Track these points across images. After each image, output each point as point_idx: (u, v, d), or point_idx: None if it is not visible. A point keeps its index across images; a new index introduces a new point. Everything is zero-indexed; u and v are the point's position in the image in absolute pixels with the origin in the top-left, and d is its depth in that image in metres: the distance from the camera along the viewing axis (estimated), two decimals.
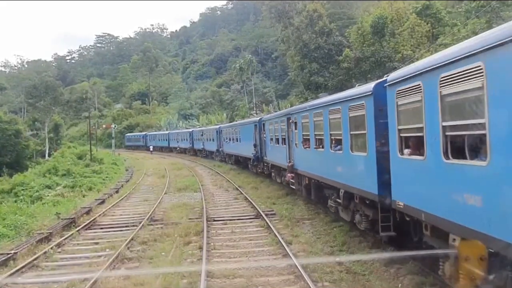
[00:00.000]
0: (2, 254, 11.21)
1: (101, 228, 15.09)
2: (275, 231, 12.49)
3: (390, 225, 9.05)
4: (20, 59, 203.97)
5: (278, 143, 20.89)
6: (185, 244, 11.91)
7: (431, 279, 7.87)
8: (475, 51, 5.35)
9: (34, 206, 20.51)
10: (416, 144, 7.37)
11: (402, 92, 7.75)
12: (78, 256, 11.54)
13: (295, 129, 16.84)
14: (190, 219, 15.19)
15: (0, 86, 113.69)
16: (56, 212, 17.03)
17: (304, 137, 15.65)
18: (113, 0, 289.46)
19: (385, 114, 8.61)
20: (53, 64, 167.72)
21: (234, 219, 15.12)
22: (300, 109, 16.86)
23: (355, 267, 9.15)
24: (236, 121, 48.54)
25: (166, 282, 8.76)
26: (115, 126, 79.55)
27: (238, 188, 22.88)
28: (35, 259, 10.93)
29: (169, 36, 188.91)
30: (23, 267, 10.33)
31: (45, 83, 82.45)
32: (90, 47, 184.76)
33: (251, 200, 18.35)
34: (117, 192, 24.59)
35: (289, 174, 18.29)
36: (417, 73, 7.16)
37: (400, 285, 8.12)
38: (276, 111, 32.01)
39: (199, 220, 14.80)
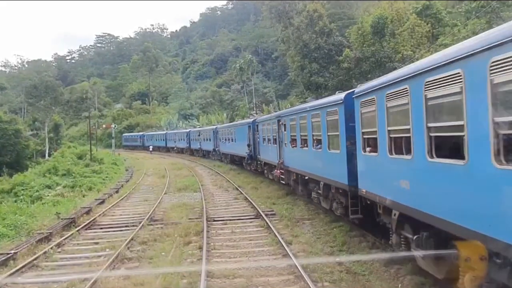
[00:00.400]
0: (2, 254, 11.21)
1: (101, 228, 15.09)
2: (275, 231, 12.49)
3: (358, 209, 11.11)
4: (20, 59, 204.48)
5: (269, 143, 22.67)
6: (185, 244, 11.91)
7: (431, 279, 7.86)
8: (404, 77, 7.59)
9: (34, 206, 20.50)
10: (373, 144, 9.34)
11: (364, 102, 9.80)
12: (78, 256, 11.54)
13: (284, 130, 18.79)
14: (190, 219, 15.20)
15: (0, 86, 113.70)
16: (56, 212, 17.03)
17: (292, 138, 17.66)
18: (113, 0, 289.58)
19: (353, 119, 10.57)
20: (53, 64, 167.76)
21: (234, 219, 15.12)
22: (288, 112, 19.02)
23: (355, 267, 9.15)
24: (236, 121, 48.73)
25: (166, 282, 8.77)
26: (115, 126, 79.56)
27: (238, 188, 22.89)
28: (35, 259, 10.93)
29: (169, 36, 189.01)
30: (23, 267, 10.32)
31: (45, 83, 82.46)
32: (90, 47, 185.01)
33: (251, 200, 18.35)
34: (117, 192, 24.59)
35: (278, 171, 20.23)
36: (372, 89, 9.25)
37: (400, 285, 8.12)
38: (276, 111, 32.42)
39: (199, 220, 14.80)
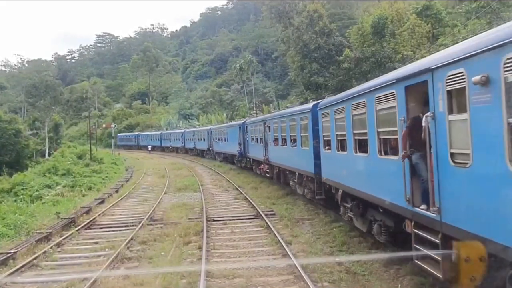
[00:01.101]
0: (1, 253, 11.21)
1: (101, 228, 15.09)
2: (274, 231, 12.50)
3: (321, 192, 14.80)
4: (20, 58, 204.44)
5: (257, 142, 26.03)
6: (185, 244, 11.91)
7: (431, 279, 7.86)
8: (343, 99, 11.33)
9: (34, 206, 20.47)
10: (329, 144, 12.98)
11: (323, 114, 13.52)
12: (77, 256, 11.54)
13: (269, 131, 22.45)
14: (189, 219, 15.20)
15: (0, 85, 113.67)
16: (56, 212, 17.03)
17: (275, 137, 21.28)
18: (114, 0, 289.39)
19: (318, 124, 14.25)
20: (53, 63, 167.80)
21: (234, 219, 15.13)
22: (272, 116, 22.83)
23: (354, 267, 9.16)
24: (236, 121, 49.00)
25: (166, 282, 8.77)
26: (115, 125, 79.58)
27: (238, 188, 22.89)
28: (34, 258, 10.93)
29: (169, 36, 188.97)
30: (22, 266, 10.32)
31: (45, 82, 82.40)
32: (90, 46, 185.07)
33: (250, 200, 18.36)
34: (117, 191, 24.59)
35: (264, 165, 23.81)
36: (328, 105, 12.98)
37: (399, 285, 8.12)
38: (276, 111, 33.03)
39: (199, 220, 14.80)
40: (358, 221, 11.18)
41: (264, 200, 18.42)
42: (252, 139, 27.61)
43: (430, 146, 6.61)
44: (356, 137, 10.18)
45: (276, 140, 21.06)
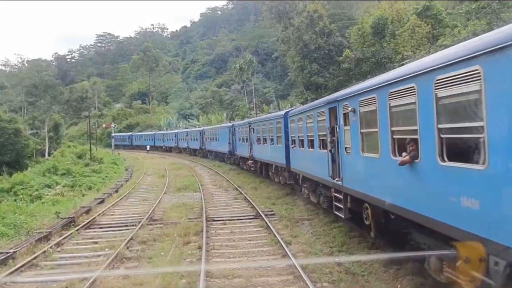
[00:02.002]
0: (1, 253, 11.22)
1: (101, 228, 15.10)
2: (274, 231, 12.50)
3: (291, 178, 18.97)
4: (20, 58, 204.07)
5: (244, 142, 30.27)
6: (185, 244, 11.91)
7: (430, 280, 7.87)
8: (309, 109, 15.27)
9: (34, 205, 20.47)
10: (294, 142, 17.41)
11: (292, 119, 17.78)
12: (77, 256, 11.54)
13: (253, 132, 27.08)
14: (189, 219, 15.19)
15: (0, 85, 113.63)
16: (56, 211, 17.04)
17: (257, 137, 25.85)
18: (114, 0, 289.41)
19: (288, 127, 18.87)
20: (53, 63, 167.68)
21: (234, 219, 15.13)
22: (255, 121, 28.14)
23: (354, 268, 9.15)
24: (236, 121, 49.31)
25: (165, 282, 8.76)
26: (115, 125, 79.67)
27: (238, 188, 22.90)
28: (34, 258, 10.94)
29: (169, 36, 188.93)
30: (22, 266, 10.33)
31: (45, 82, 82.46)
32: (91, 46, 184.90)
33: (250, 200, 18.37)
34: (116, 191, 24.59)
35: (249, 161, 28.23)
36: (294, 114, 17.32)
37: (399, 285, 8.12)
38: (276, 111, 33.71)
39: (199, 220, 14.80)
40: (312, 196, 15.82)
41: (264, 200, 18.42)
42: (240, 139, 31.97)
43: (339, 144, 11.40)
44: (308, 138, 15.14)
45: (258, 140, 25.73)
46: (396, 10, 44.51)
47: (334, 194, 11.98)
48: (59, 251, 12.03)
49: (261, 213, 15.36)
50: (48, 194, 25.31)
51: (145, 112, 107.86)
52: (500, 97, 4.83)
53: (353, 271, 9.01)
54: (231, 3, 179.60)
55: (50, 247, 11.93)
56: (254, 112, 56.96)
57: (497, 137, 4.90)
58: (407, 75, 7.05)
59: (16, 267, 10.18)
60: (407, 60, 9.80)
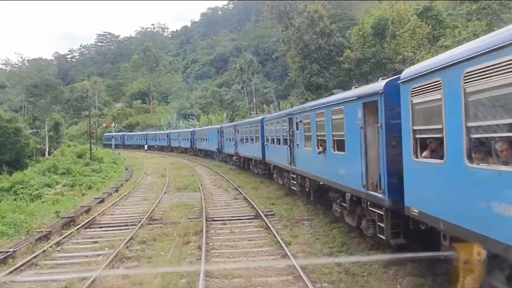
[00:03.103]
0: (1, 252, 11.23)
1: (101, 227, 15.10)
2: (274, 232, 12.50)
3: (266, 169, 24.36)
4: (21, 57, 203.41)
5: (230, 141, 35.42)
6: (184, 244, 11.92)
7: (430, 280, 7.88)
8: (283, 115, 19.90)
9: (34, 205, 20.50)
10: (267, 140, 22.98)
11: (266, 123, 23.74)
12: (77, 255, 11.55)
13: (238, 133, 31.98)
14: (189, 218, 15.19)
15: (0, 84, 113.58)
16: (56, 211, 17.05)
17: (241, 138, 30.91)
18: None
19: (267, 131, 23.42)
20: (54, 62, 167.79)
21: (234, 219, 15.14)
22: (239, 124, 33.87)
23: (354, 268, 9.15)
24: (236, 121, 49.85)
25: (165, 282, 8.76)
26: (115, 125, 79.68)
27: (238, 188, 22.91)
28: (34, 257, 10.94)
29: (169, 35, 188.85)
30: (22, 265, 10.33)
31: (46, 81, 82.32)
32: (91, 46, 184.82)
33: (250, 200, 18.37)
34: (116, 191, 24.59)
35: (234, 157, 33.72)
36: (268, 119, 23.90)
37: (398, 286, 8.13)
38: (276, 111, 34.91)
39: (198, 220, 14.80)
40: (279, 179, 21.30)
41: (264, 201, 18.43)
42: (227, 139, 36.98)
43: (293, 142, 16.93)
44: (277, 138, 20.67)
45: (241, 139, 30.97)
46: (396, 11, 44.50)
47: (291, 175, 17.95)
48: (59, 251, 12.03)
49: (261, 213, 15.37)
50: (48, 194, 25.31)
51: (145, 112, 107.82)
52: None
53: (352, 271, 9.01)
54: (231, 3, 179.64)
55: (50, 247, 11.94)
56: (255, 112, 56.95)
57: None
58: (323, 104, 13.35)
59: (16, 266, 10.19)
60: (336, 90, 14.73)
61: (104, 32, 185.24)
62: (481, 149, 5.52)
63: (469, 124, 5.55)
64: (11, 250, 11.37)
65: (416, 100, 7.20)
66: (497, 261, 4.90)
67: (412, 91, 7.32)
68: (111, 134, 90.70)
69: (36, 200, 23.01)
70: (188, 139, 56.21)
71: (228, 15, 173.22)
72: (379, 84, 9.17)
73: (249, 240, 12.20)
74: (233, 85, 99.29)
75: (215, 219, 15.21)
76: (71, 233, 13.76)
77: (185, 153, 58.23)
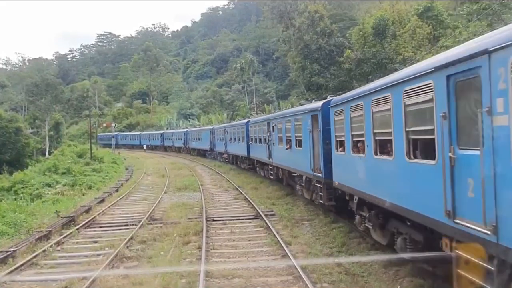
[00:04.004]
0: (1, 251, 11.23)
1: (101, 227, 15.10)
2: (274, 232, 12.49)
3: (251, 165, 28.93)
4: (22, 57, 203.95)
5: (221, 141, 39.76)
6: (184, 244, 11.92)
7: (430, 281, 7.87)
8: (264, 120, 24.91)
9: (34, 204, 20.50)
10: (252, 140, 27.44)
11: (251, 126, 28.34)
12: (77, 255, 11.55)
13: (228, 134, 36.15)
14: (189, 218, 15.19)
15: (1, 84, 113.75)
16: (56, 211, 17.05)
17: (230, 138, 35.35)
18: None
19: (251, 132, 27.95)
20: (54, 62, 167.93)
21: (234, 219, 15.13)
22: (229, 125, 38.16)
23: (354, 269, 9.14)
24: (236, 121, 50.16)
25: (165, 282, 8.76)
26: (115, 125, 79.75)
27: (238, 188, 22.90)
28: (34, 257, 10.94)
29: (170, 35, 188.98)
30: (22, 265, 10.33)
31: (46, 81, 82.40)
32: (92, 45, 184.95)
33: (250, 200, 18.36)
34: (116, 191, 24.59)
35: (224, 155, 38.63)
36: (252, 122, 28.64)
37: (399, 286, 8.12)
38: (276, 111, 35.21)
39: (199, 220, 14.80)
40: (261, 172, 26.09)
41: (264, 201, 18.42)
42: (218, 139, 41.50)
43: (270, 141, 21.80)
44: (259, 137, 25.07)
45: (231, 139, 35.25)
46: (397, 11, 44.47)
47: (269, 167, 22.76)
48: (59, 250, 12.03)
49: (261, 213, 15.36)
50: (48, 193, 25.31)
51: (146, 112, 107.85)
52: None
53: (353, 271, 9.00)
54: (232, 3, 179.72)
55: (50, 246, 11.94)
56: (255, 112, 56.97)
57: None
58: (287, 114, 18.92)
59: (16, 266, 10.19)
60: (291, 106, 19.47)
61: (105, 32, 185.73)
62: (357, 146, 10.48)
63: (352, 133, 10.60)
64: (11, 249, 11.37)
65: (335, 117, 12.32)
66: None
67: (333, 112, 12.48)
68: (104, 134, 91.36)
69: (36, 200, 23.00)
70: (181, 139, 60.64)
71: (229, 15, 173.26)
72: (319, 104, 14.26)
73: (249, 240, 12.19)
74: (233, 85, 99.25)
75: (215, 219, 15.21)
76: (71, 232, 13.75)
77: (179, 152, 62.13)
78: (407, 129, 7.33)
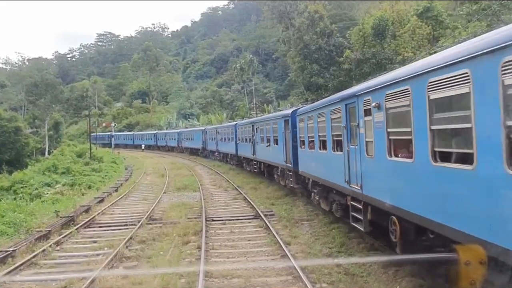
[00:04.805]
0: (1, 251, 11.22)
1: (100, 227, 15.09)
2: (273, 232, 12.49)
3: (239, 161, 33.00)
4: (21, 56, 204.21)
5: (212, 140, 43.74)
6: (184, 244, 11.91)
7: (430, 281, 7.86)
8: (249, 123, 29.11)
9: (33, 204, 20.47)
10: (239, 139, 31.66)
11: (238, 127, 32.21)
12: (76, 255, 11.54)
13: (219, 134, 39.84)
14: (189, 218, 15.18)
15: (0, 83, 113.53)
16: (55, 210, 17.02)
17: (221, 137, 38.98)
18: None
19: (239, 133, 31.84)
20: (54, 62, 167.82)
21: (233, 219, 15.12)
22: (220, 127, 41.62)
23: (353, 269, 9.14)
24: (236, 121, 50.28)
25: (164, 282, 8.75)
26: (115, 124, 79.70)
27: (237, 188, 22.90)
28: (33, 257, 10.92)
29: (170, 35, 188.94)
30: (21, 264, 10.32)
31: (46, 81, 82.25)
32: (91, 45, 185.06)
33: (250, 200, 18.36)
34: (116, 190, 24.58)
35: (216, 153, 42.05)
36: (240, 125, 32.56)
37: (398, 287, 8.12)
38: (276, 111, 35.11)
39: (198, 220, 14.79)
40: (247, 167, 29.88)
41: (264, 201, 18.42)
42: (210, 138, 45.79)
43: (255, 140, 26.21)
44: (246, 137, 28.56)
45: (221, 139, 39.05)
46: (396, 11, 44.50)
47: (253, 162, 27.28)
48: (58, 250, 12.02)
49: (260, 213, 15.36)
50: (47, 193, 25.28)
51: (145, 112, 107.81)
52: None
53: (352, 272, 9.00)
54: (232, 3, 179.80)
55: (50, 246, 11.93)
56: (254, 112, 56.96)
57: None
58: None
59: (16, 265, 10.18)
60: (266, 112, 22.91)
61: (105, 31, 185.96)
62: (310, 144, 14.71)
63: (308, 135, 14.67)
64: (11, 249, 11.36)
65: (299, 123, 16.66)
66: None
67: (298, 118, 16.78)
68: (98, 134, 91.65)
69: (35, 200, 22.97)
70: (175, 139, 64.88)
71: (229, 15, 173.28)
72: (289, 111, 18.85)
73: (249, 240, 12.19)
74: (233, 85, 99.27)
75: (214, 219, 15.20)
76: (71, 232, 13.75)
77: (172, 151, 65.94)
78: (333, 133, 12.14)
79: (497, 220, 4.94)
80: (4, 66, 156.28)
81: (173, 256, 10.75)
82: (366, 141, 9.17)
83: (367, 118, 8.99)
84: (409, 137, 6.93)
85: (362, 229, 9.92)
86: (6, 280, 9.38)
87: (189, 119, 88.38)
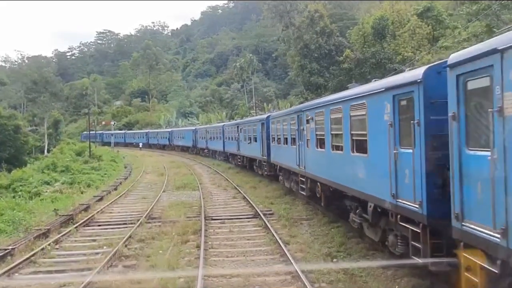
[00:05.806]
0: (0, 249, 11.20)
1: (99, 225, 15.07)
2: (272, 231, 12.49)
3: (226, 157, 38.39)
4: (21, 54, 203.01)
5: (202, 139, 48.58)
6: (183, 243, 11.91)
7: (428, 281, 7.88)
8: (235, 124, 35.55)
9: (32, 202, 20.46)
10: (230, 138, 35.79)
11: (225, 128, 38.00)
12: (75, 253, 11.55)
13: (208, 133, 44.85)
14: (188, 217, 15.16)
15: (0, 81, 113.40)
16: (54, 209, 17.00)
17: (210, 136, 44.45)
18: None
19: (226, 132, 37.70)
20: (54, 60, 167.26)
21: (232, 218, 15.13)
22: (209, 127, 47.45)
23: (352, 269, 9.14)
24: (235, 119, 50.36)
25: (163, 281, 8.75)
26: (114, 123, 79.77)
27: (237, 187, 22.90)
28: (32, 255, 10.91)
29: (170, 34, 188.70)
30: (20, 263, 10.31)
31: (45, 79, 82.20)
32: (91, 43, 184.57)
33: (249, 200, 18.36)
34: (115, 189, 24.57)
35: (205, 150, 47.31)
36: (228, 125, 38.68)
37: (397, 286, 8.13)
38: (276, 111, 35.26)
39: (197, 219, 14.79)
40: (233, 161, 35.15)
41: (263, 200, 18.42)
42: (200, 137, 50.22)
43: (239, 139, 31.78)
44: (232, 137, 34.31)
45: (211, 138, 44.12)
46: (396, 11, 44.46)
47: (237, 158, 32.40)
48: (57, 248, 12.02)
49: (259, 212, 15.36)
50: (47, 191, 25.23)
51: (145, 110, 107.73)
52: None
53: (351, 271, 9.00)
54: (232, 2, 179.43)
55: (49, 244, 11.90)
56: (254, 111, 56.99)
57: None
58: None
59: (15, 264, 10.16)
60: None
61: (104, 30, 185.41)
62: (278, 140, 20.66)
63: (277, 133, 20.79)
64: (10, 247, 11.34)
65: (271, 125, 22.18)
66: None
67: (271, 122, 22.27)
68: (92, 132, 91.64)
69: (35, 198, 22.93)
70: (166, 138, 69.45)
71: (228, 14, 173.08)
72: (264, 116, 24.60)
73: (248, 240, 12.20)
74: (232, 84, 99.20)
75: (214, 218, 15.21)
76: (70, 231, 13.73)
77: (163, 149, 69.63)
78: (291, 133, 17.46)
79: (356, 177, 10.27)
80: (3, 64, 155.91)
81: (172, 255, 10.74)
82: (307, 139, 14.74)
83: (307, 125, 14.59)
84: (323, 137, 12.73)
85: (304, 193, 15.77)
86: (5, 278, 9.38)
87: (188, 118, 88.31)
